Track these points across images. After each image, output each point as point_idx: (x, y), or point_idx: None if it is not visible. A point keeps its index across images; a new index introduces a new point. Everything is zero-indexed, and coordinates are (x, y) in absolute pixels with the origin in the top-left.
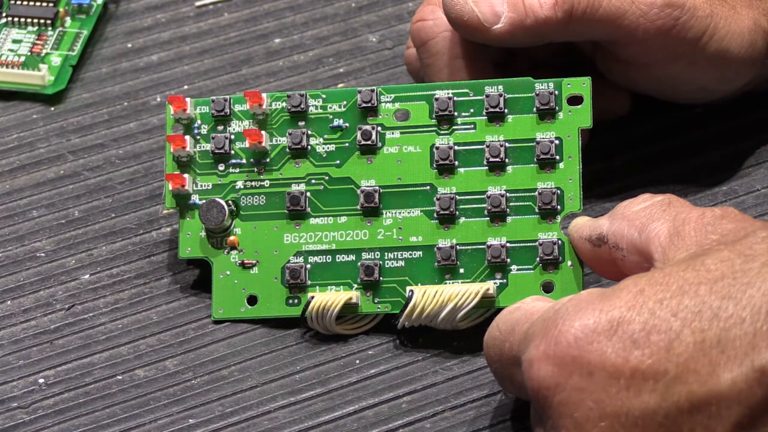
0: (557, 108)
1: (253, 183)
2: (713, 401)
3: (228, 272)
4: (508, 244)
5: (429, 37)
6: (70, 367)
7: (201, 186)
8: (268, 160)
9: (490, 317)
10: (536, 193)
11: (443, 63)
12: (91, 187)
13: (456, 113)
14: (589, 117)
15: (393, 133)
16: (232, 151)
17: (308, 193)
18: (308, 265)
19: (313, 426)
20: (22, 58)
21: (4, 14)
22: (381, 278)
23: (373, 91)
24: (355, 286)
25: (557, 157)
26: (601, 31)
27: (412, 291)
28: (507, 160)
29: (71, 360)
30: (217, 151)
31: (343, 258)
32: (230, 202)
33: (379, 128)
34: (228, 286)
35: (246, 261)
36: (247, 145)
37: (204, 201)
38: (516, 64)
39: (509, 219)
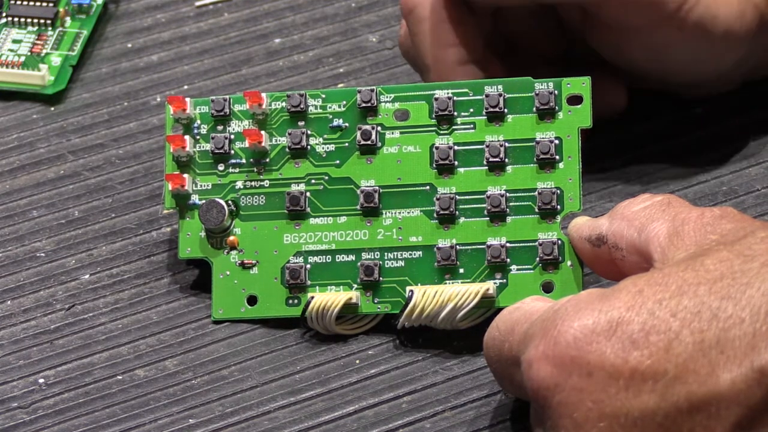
0: (557, 108)
1: (252, 183)
2: (713, 401)
3: (228, 272)
4: (507, 244)
5: (415, 4)
6: (70, 367)
7: (201, 186)
8: (267, 160)
9: (490, 317)
10: (536, 193)
11: (429, 28)
12: (91, 187)
13: (456, 113)
14: (589, 117)
15: (393, 133)
16: (232, 151)
17: (308, 193)
18: (308, 265)
19: (313, 426)
20: (22, 58)
21: (4, 14)
22: (381, 278)
23: (372, 91)
24: (355, 286)
25: (557, 157)
26: None
27: (411, 291)
28: (507, 160)
29: (71, 360)
30: (216, 151)
31: (342, 258)
32: (230, 202)
33: (379, 128)
34: (228, 287)
35: (246, 261)
36: (247, 145)
37: (204, 201)
38: (513, 58)
39: (509, 219)
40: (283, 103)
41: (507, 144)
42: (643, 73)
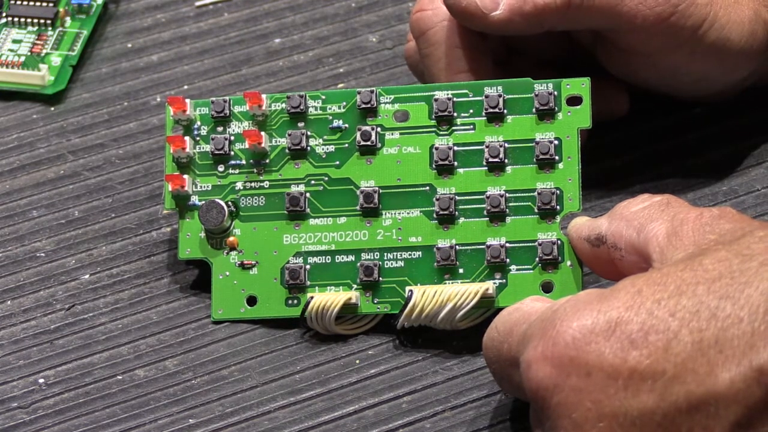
0: (556, 108)
1: (252, 184)
2: (711, 401)
3: (227, 273)
4: (507, 244)
5: (428, 27)
6: (70, 367)
7: (200, 187)
8: (267, 161)
9: (489, 317)
10: (535, 193)
11: (441, 53)
12: (91, 187)
13: (455, 114)
14: (589, 117)
15: (392, 134)
16: (232, 152)
17: (308, 194)
18: (308, 266)
19: (313, 426)
20: (22, 58)
21: (4, 14)
22: (380, 278)
23: (372, 92)
24: (355, 286)
25: (556, 158)
26: (599, 18)
27: (411, 291)
28: (506, 160)
29: (71, 360)
30: (216, 152)
31: (342, 258)
32: (230, 203)
33: (379, 129)
34: (227, 287)
35: (245, 261)
36: (247, 146)
37: (203, 202)
38: (516, 62)
39: (508, 219)
40: (283, 105)
41: (507, 144)
42: (651, 88)
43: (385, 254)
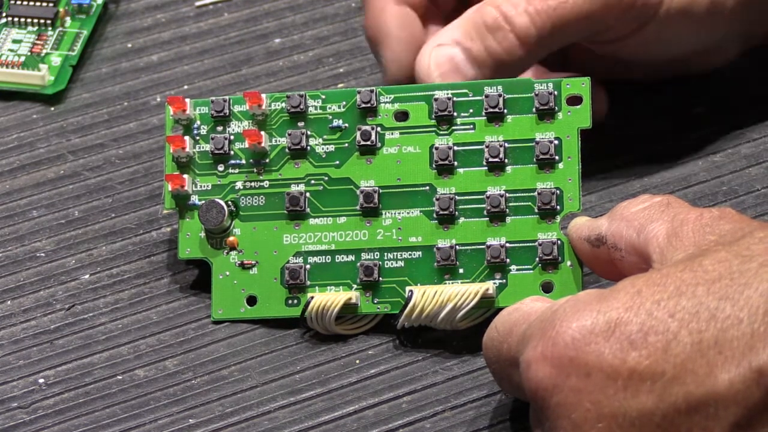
0: (556, 108)
1: (252, 183)
2: (711, 402)
3: (227, 273)
4: (507, 245)
5: None
6: (70, 367)
7: (200, 186)
8: (267, 160)
9: (489, 317)
10: (536, 193)
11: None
12: (91, 187)
13: (455, 113)
14: (589, 117)
15: (392, 134)
16: (232, 152)
17: (308, 194)
18: (308, 266)
19: (313, 426)
20: (22, 58)
21: (4, 14)
22: (380, 278)
23: (372, 91)
24: (355, 286)
25: (556, 158)
26: (577, 34)
27: (411, 291)
28: (506, 160)
29: (71, 360)
30: (216, 151)
31: (342, 258)
32: (230, 202)
33: (379, 129)
34: (227, 287)
35: (245, 261)
36: (247, 146)
37: (203, 201)
38: None
39: (509, 219)
40: (283, 104)
41: (507, 144)
42: (634, 67)
43: (385, 254)
